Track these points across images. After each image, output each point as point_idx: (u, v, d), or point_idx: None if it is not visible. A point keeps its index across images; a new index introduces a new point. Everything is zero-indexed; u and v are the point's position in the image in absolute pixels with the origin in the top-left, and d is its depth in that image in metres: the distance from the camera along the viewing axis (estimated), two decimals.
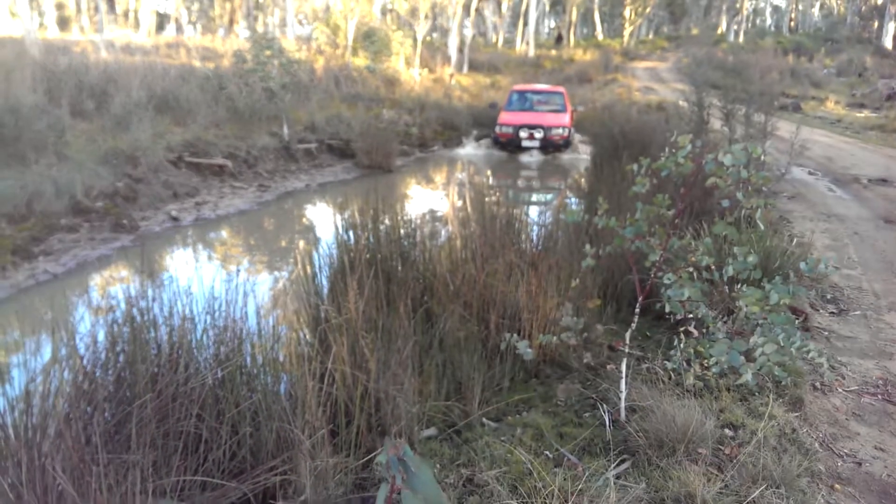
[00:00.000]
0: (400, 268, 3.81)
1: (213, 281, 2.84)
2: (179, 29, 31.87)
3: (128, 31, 26.54)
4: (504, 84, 21.32)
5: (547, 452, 2.67)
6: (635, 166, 3.06)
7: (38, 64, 10.51)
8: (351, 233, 3.86)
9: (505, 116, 14.00)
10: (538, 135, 13.18)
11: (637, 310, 2.95)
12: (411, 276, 3.78)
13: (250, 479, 2.29)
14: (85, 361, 2.28)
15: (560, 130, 13.21)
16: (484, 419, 3.04)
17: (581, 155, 12.75)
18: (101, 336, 2.36)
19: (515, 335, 3.06)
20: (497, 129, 13.65)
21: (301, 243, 7.19)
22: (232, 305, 2.68)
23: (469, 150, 14.64)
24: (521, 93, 15.25)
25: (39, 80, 9.10)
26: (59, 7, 30.77)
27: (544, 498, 2.19)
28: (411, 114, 14.90)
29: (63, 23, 29.60)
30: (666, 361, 3.23)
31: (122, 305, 2.51)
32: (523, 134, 13.27)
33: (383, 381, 2.76)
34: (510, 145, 13.45)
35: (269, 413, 2.41)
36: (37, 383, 2.18)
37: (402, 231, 4.03)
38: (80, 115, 9.24)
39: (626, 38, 37.42)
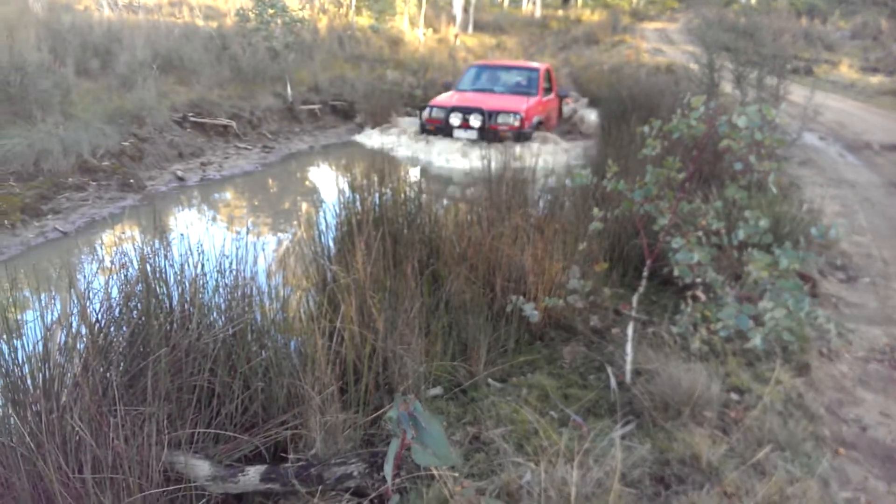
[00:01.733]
0: (406, 230, 3.82)
1: (222, 240, 2.85)
2: None
3: None
4: (510, 45, 20.99)
5: (552, 413, 2.72)
6: (646, 128, 3.04)
7: (42, 22, 10.36)
8: (356, 195, 3.86)
9: (440, 98, 10.50)
10: (475, 122, 9.42)
11: (645, 273, 2.96)
12: (417, 239, 3.79)
13: (262, 433, 2.34)
14: (100, 317, 2.31)
15: (510, 118, 9.35)
16: (489, 380, 3.08)
17: (548, 153, 9.04)
18: (114, 293, 2.39)
19: (521, 298, 3.09)
20: (425, 112, 9.90)
21: (305, 205, 7.18)
22: (241, 264, 2.71)
23: (371, 139, 10.61)
24: (482, 68, 11.72)
25: (44, 39, 8.98)
26: None
27: (550, 456, 2.24)
28: (415, 75, 14.69)
29: None
30: (672, 326, 3.25)
31: (135, 263, 2.53)
32: (454, 120, 9.51)
33: (391, 341, 2.79)
34: (440, 133, 9.73)
35: (279, 369, 2.45)
36: (54, 337, 2.21)
37: (407, 193, 4.03)
38: (85, 75, 9.15)
39: None
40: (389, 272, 3.22)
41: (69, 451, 1.94)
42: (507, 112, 9.47)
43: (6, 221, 5.61)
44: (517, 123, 9.41)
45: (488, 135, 9.31)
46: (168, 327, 2.40)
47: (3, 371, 2.12)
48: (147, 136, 8.11)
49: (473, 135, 9.47)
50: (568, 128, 11.83)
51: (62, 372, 2.14)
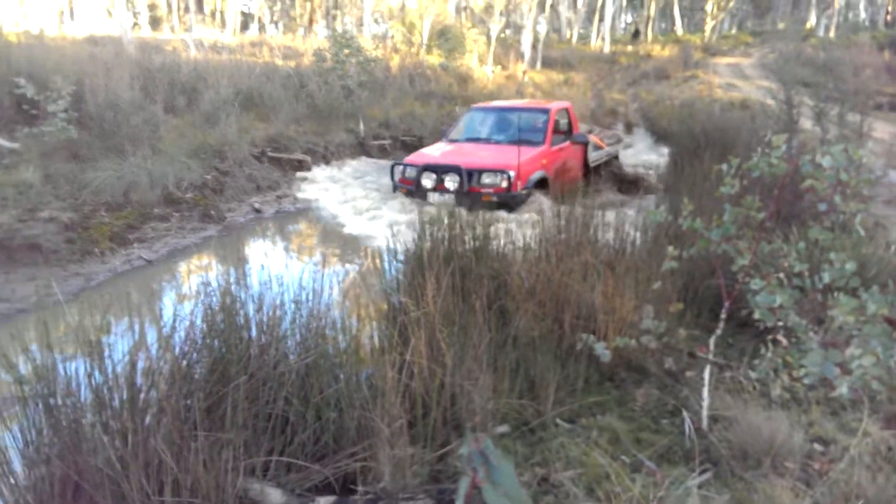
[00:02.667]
0: (475, 265, 3.84)
1: (297, 271, 2.95)
2: (262, 28, 33.03)
3: (215, 31, 27.70)
4: (578, 80, 21.01)
5: (623, 457, 2.64)
6: (724, 166, 2.97)
7: (135, 62, 11.14)
8: (427, 227, 3.92)
9: (419, 153, 8.76)
10: (451, 183, 7.56)
11: (723, 315, 2.86)
12: (486, 274, 3.80)
13: (332, 464, 2.37)
14: (183, 343, 2.42)
15: (497, 178, 7.47)
16: (558, 420, 3.02)
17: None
18: (198, 321, 2.50)
19: (591, 336, 3.03)
20: (397, 171, 8.18)
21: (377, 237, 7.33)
22: (316, 295, 2.79)
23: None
24: (481, 112, 9.65)
25: (136, 77, 9.64)
26: (152, 7, 32.47)
27: (623, 503, 2.16)
28: None
29: (155, 22, 31.24)
30: (750, 371, 3.11)
31: (217, 292, 2.65)
32: (426, 182, 7.71)
33: (458, 376, 2.79)
34: (414, 196, 7.98)
35: (350, 401, 2.49)
36: (139, 362, 2.33)
37: (476, 227, 4.07)
38: (173, 111, 9.73)
39: (707, 33, 36.09)
40: (458, 307, 3.23)
41: (151, 472, 2.03)
42: (493, 170, 7.52)
43: (96, 249, 5.98)
44: (504, 185, 7.42)
45: (467, 200, 7.20)
46: (247, 356, 2.48)
47: (93, 393, 2.25)
48: (228, 169, 8.52)
49: (450, 199, 7.47)
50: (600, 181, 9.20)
51: (147, 396, 2.25)
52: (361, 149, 11.70)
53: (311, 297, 2.77)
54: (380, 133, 12.34)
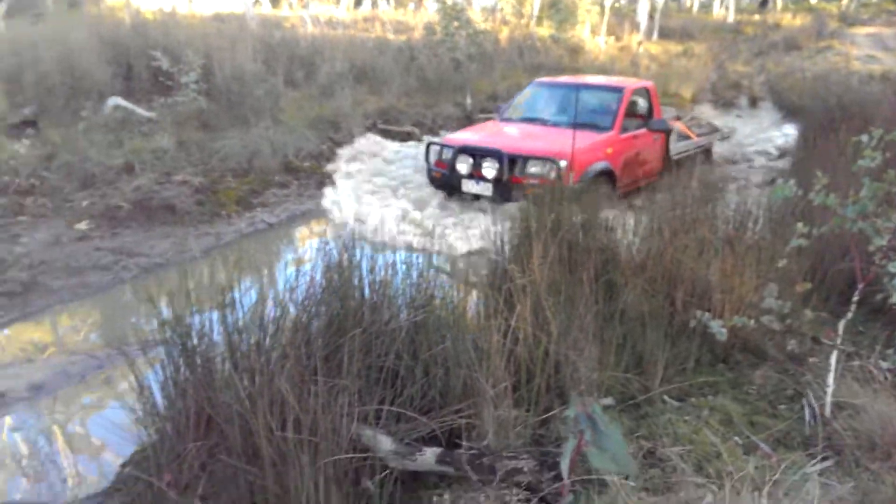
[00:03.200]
0: (581, 238, 3.78)
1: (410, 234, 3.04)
2: (374, 4, 33.62)
3: (330, 7, 28.53)
4: (698, 52, 19.84)
5: (736, 438, 2.54)
6: (864, 137, 2.74)
7: (257, 37, 11.73)
8: (534, 199, 3.90)
9: (461, 132, 7.66)
10: (490, 170, 6.33)
11: (855, 299, 2.66)
12: (594, 247, 3.74)
13: (438, 418, 2.45)
14: (304, 298, 2.58)
15: (543, 167, 6.16)
16: (665, 397, 2.95)
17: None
18: (318, 276, 2.65)
19: (707, 314, 2.92)
20: (431, 152, 6.90)
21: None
22: (427, 258, 2.87)
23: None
24: (543, 88, 8.02)
25: (258, 52, 10.17)
26: None
27: (734, 482, 2.09)
28: None
29: (274, 0, 32.64)
30: (882, 361, 2.89)
31: (335, 252, 2.79)
32: (461, 167, 6.51)
33: (564, 345, 2.78)
34: (446, 186, 6.75)
35: (457, 360, 2.55)
36: (265, 312, 2.51)
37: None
38: (292, 84, 10.20)
39: (844, 1, 32.88)
40: (565, 278, 3.21)
41: (275, 410, 2.18)
42: (540, 158, 6.19)
43: (223, 212, 6.43)
44: (553, 176, 6.01)
45: (507, 191, 6.18)
46: (360, 312, 2.60)
47: (226, 338, 2.45)
48: (342, 140, 8.84)
49: (487, 190, 6.36)
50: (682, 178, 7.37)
51: (272, 341, 2.43)
52: (468, 122, 11.72)
53: (420, 260, 2.86)
54: (487, 106, 12.30)
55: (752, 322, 2.91)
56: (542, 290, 2.86)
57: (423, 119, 10.74)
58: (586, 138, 6.36)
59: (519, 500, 2.22)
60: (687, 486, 2.11)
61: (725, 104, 14.83)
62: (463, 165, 6.54)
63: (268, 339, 2.39)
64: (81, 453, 3.00)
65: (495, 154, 6.36)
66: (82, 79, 7.96)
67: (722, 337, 2.77)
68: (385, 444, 2.34)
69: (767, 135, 10.97)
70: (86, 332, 4.52)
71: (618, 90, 7.35)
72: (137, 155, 6.73)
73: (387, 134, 10.04)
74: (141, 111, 7.81)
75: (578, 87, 7.51)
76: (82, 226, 5.68)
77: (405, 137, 10.18)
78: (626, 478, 2.12)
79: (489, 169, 6.36)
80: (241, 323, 2.42)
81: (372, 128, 9.87)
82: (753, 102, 14.98)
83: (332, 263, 2.74)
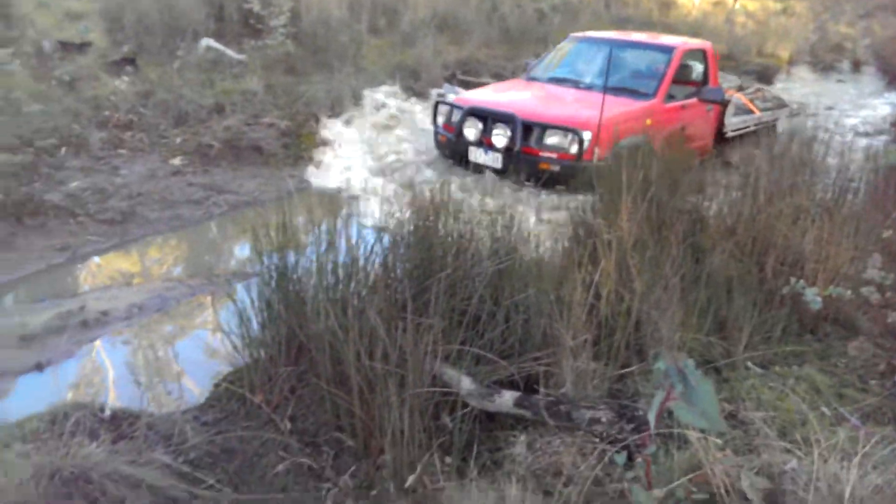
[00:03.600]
0: (670, 196, 3.69)
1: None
2: None
3: None
4: (799, 10, 18.50)
5: (824, 409, 2.47)
6: None
7: None
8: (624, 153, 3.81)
9: (473, 91, 6.76)
10: (501, 138, 5.42)
11: None
12: (682, 207, 3.64)
13: (517, 364, 2.50)
14: (393, 237, 2.65)
15: (563, 138, 5.31)
16: (749, 363, 2.89)
17: None
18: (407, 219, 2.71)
19: (801, 281, 2.81)
20: (440, 113, 6.04)
21: None
22: (511, 207, 2.88)
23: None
24: (583, 44, 6.87)
25: None
26: None
27: (822, 450, 2.05)
28: None
29: None
30: None
31: (423, 195, 2.84)
32: (469, 132, 5.61)
33: (647, 304, 2.76)
34: (453, 153, 5.88)
35: (539, 309, 2.58)
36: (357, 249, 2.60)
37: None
38: (375, 31, 10.19)
39: None
40: (652, 237, 3.15)
41: (364, 342, 2.28)
42: (559, 127, 5.28)
43: (306, 155, 6.59)
44: (574, 150, 5.13)
45: (519, 164, 5.28)
46: (446, 255, 2.65)
47: (319, 271, 2.55)
48: (421, 90, 8.82)
49: (497, 161, 5.39)
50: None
51: (363, 276, 2.51)
52: None
53: (505, 208, 2.87)
54: None
55: (849, 293, 2.80)
56: (628, 247, 2.83)
57: (503, 71, 10.55)
58: (621, 105, 5.50)
59: (595, 449, 2.25)
60: (771, 449, 2.09)
61: (825, 67, 13.86)
62: (471, 130, 5.56)
63: (359, 275, 2.48)
64: (176, 371, 3.22)
65: (508, 119, 5.38)
66: (178, 19, 8.21)
67: (816, 306, 2.68)
68: (465, 383, 2.41)
69: (871, 102, 10.20)
70: (179, 262, 4.80)
71: (666, 50, 6.27)
72: (228, 96, 6.94)
73: (466, 85, 9.94)
74: (231, 53, 8.01)
75: (620, 45, 6.46)
76: (176, 161, 5.95)
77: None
78: (712, 435, 2.11)
79: (499, 136, 5.39)
80: (334, 257, 2.52)
81: (451, 78, 9.78)
82: (856, 67, 13.96)
83: (420, 207, 2.79)
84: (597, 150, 5.11)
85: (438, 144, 6.09)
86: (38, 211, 4.79)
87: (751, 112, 7.10)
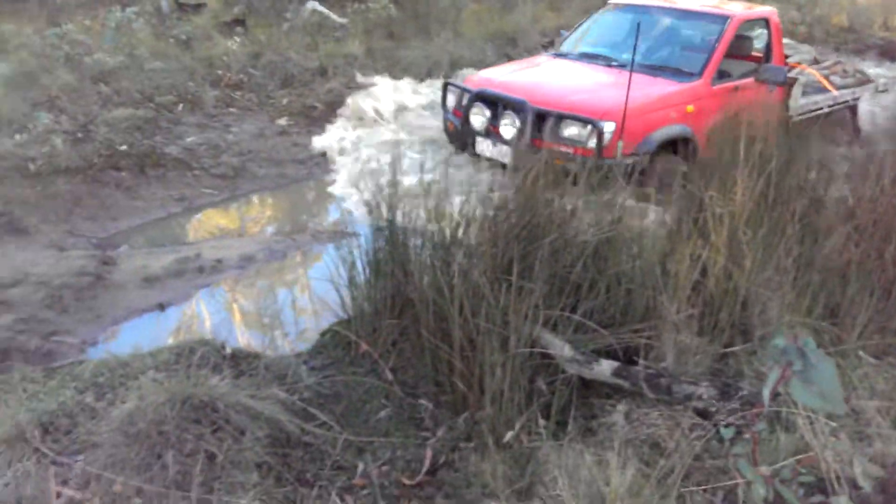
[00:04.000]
0: (787, 173, 3.51)
1: None
2: None
3: None
4: None
5: None
6: None
7: None
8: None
9: (488, 71, 5.75)
10: (509, 128, 4.64)
11: None
12: (796, 185, 3.46)
13: (617, 334, 2.49)
14: (499, 202, 2.68)
15: (581, 129, 4.38)
16: (861, 352, 2.75)
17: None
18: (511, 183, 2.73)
19: None
20: (449, 96, 5.26)
21: None
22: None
23: None
24: (622, 12, 5.77)
25: None
26: None
27: None
28: (800, 9, 12.79)
29: None
30: None
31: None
32: (475, 119, 4.88)
33: (756, 283, 2.67)
34: (462, 144, 5.02)
35: (642, 280, 2.55)
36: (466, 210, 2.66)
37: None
38: None
39: None
40: (766, 215, 3.03)
41: (470, 299, 2.34)
42: (577, 117, 4.40)
43: None
44: (592, 144, 4.28)
45: (529, 157, 3.66)
46: (550, 222, 2.65)
47: (428, 228, 2.63)
48: (516, 56, 8.72)
49: (505, 155, 4.53)
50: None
51: (468, 236, 2.57)
52: None
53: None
54: None
55: None
56: (741, 223, 2.73)
57: None
58: (656, 88, 4.59)
59: (694, 424, 2.23)
60: (885, 439, 2.00)
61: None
62: (478, 118, 4.81)
63: (464, 235, 2.53)
64: (285, 317, 3.42)
65: (518, 106, 4.54)
66: None
67: None
68: (564, 350, 2.43)
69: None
70: (285, 217, 5.04)
71: (719, 20, 5.10)
72: (330, 59, 7.13)
73: None
74: (335, 17, 8.19)
75: (663, 13, 5.42)
76: (282, 122, 6.21)
77: None
78: (821, 419, 2.05)
79: (508, 126, 4.59)
80: (442, 215, 2.59)
81: (548, 46, 9.60)
82: None
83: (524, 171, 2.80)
84: (620, 145, 4.18)
85: (447, 132, 5.26)
86: (159, 163, 5.15)
87: (826, 90, 5.99)
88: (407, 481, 2.13)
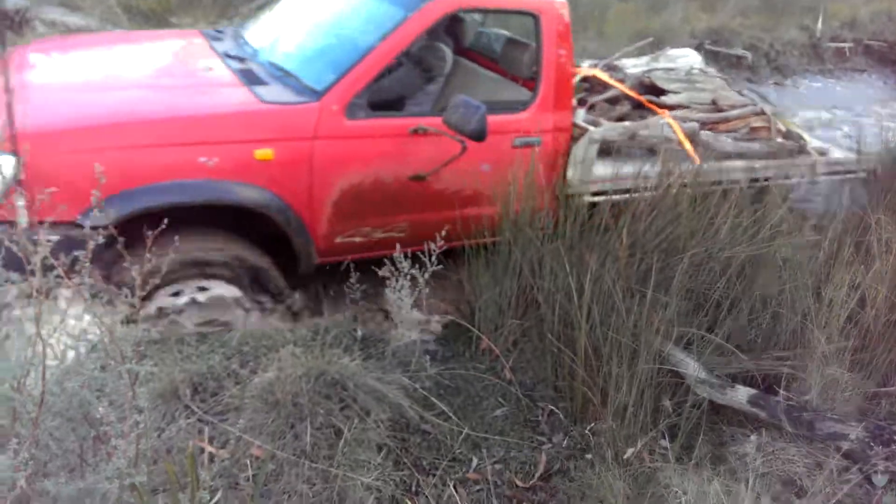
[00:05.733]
0: None
1: None
2: None
3: None
4: None
5: None
6: None
7: None
8: None
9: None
10: None
11: None
12: None
13: (756, 359, 2.33)
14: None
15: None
16: None
17: None
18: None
19: None
20: None
21: None
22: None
23: None
24: None
25: None
26: None
27: None
28: None
29: None
30: None
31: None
32: None
33: None
34: None
35: (792, 306, 2.36)
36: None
37: None
38: None
39: None
40: None
41: (598, 308, 2.29)
42: None
43: None
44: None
45: None
46: (695, 233, 2.53)
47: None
48: None
49: None
50: None
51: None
52: (813, 51, 10.13)
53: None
54: (840, 35, 10.44)
55: None
56: None
57: (759, 43, 9.56)
58: (190, 104, 2.53)
59: (839, 466, 2.04)
60: None
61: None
62: None
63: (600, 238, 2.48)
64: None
65: None
66: None
67: None
68: (696, 370, 2.31)
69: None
70: None
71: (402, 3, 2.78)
72: None
73: (714, 56, 9.19)
74: None
75: None
76: None
77: (734, 62, 9.22)
78: None
79: None
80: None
81: (698, 48, 9.10)
82: None
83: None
84: (23, 203, 2.10)
85: None
86: None
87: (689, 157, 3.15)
88: (520, 483, 2.12)
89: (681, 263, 2.32)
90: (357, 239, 2.43)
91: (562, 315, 2.40)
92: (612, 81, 3.66)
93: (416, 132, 2.64)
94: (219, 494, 1.63)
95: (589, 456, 2.15)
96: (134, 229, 1.70)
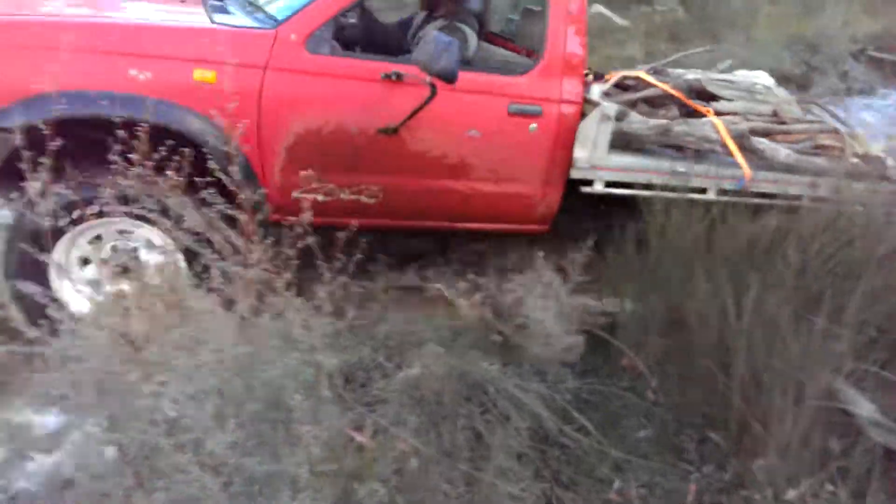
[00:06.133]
0: None
1: None
2: None
3: None
4: None
5: None
6: None
7: None
8: None
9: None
10: None
11: None
12: None
13: None
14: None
15: None
16: None
17: None
18: None
19: None
20: None
21: None
22: None
23: None
24: None
25: None
26: None
27: None
28: None
29: None
30: None
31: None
32: None
33: None
34: None
35: None
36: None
37: None
38: (772, 0, 9.22)
39: None
40: None
41: (759, 332, 2.13)
42: None
43: None
44: None
45: None
46: (875, 255, 2.30)
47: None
48: (817, 65, 7.74)
49: None
50: None
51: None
52: None
53: None
54: None
55: None
56: None
57: None
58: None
59: None
60: None
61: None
62: None
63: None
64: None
65: None
66: None
67: None
68: (867, 411, 2.10)
69: None
70: None
71: None
72: (608, 62, 7.01)
73: (877, 64, 8.38)
74: (617, 18, 8.05)
75: None
76: None
77: None
78: None
79: None
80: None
81: (859, 55, 8.34)
82: None
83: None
84: None
85: None
86: None
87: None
88: None
89: (856, 292, 2.11)
90: (319, 197, 1.93)
91: (717, 336, 2.26)
92: (656, 82, 3.22)
93: (387, 77, 2.35)
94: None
95: (745, 492, 2.01)
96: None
